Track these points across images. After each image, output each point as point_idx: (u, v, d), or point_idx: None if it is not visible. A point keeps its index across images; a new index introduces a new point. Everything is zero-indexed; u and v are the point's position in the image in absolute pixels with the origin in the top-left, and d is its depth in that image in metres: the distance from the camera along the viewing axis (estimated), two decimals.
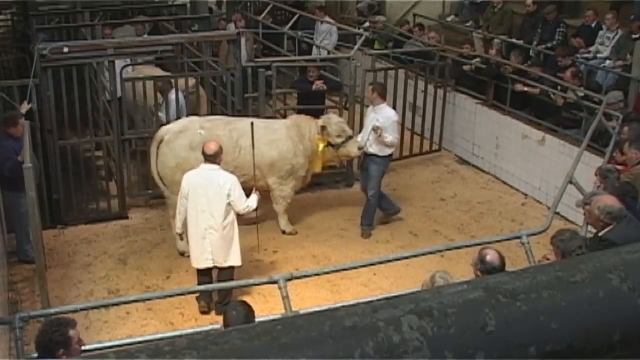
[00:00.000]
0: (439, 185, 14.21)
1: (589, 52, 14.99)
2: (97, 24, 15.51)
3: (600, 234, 7.69)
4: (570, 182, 9.27)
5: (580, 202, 8.43)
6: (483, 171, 14.88)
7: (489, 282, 1.22)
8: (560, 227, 8.61)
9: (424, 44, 17.19)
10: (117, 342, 7.99)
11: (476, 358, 1.15)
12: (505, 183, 14.30)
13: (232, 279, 9.59)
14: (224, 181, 9.61)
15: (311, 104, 13.59)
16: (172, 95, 12.66)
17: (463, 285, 1.23)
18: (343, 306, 1.20)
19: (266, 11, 19.21)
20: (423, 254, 8.19)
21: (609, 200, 7.68)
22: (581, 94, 12.77)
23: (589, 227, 8.23)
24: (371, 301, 1.21)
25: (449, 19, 20.25)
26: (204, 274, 9.91)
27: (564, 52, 14.46)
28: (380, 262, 8.26)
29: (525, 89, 13.86)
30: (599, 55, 14.78)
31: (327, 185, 13.89)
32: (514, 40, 16.63)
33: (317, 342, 1.13)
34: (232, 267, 9.94)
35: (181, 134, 11.35)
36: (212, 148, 9.72)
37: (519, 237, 7.78)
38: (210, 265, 9.85)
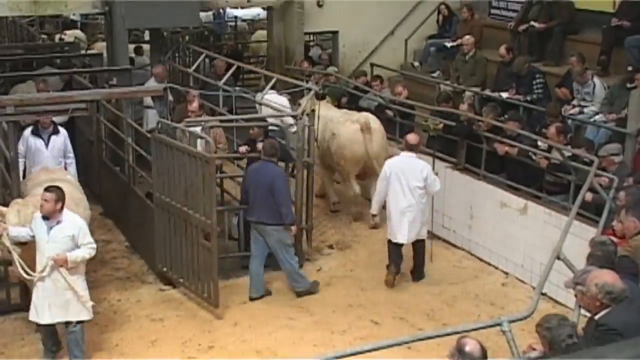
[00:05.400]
0: (404, 264, 14.05)
1: (573, 106, 15.11)
2: None
3: (596, 317, 7.63)
4: (558, 258, 9.25)
5: (570, 281, 8.38)
6: (455, 246, 14.88)
7: None
8: (548, 312, 8.55)
9: (383, 98, 17.29)
10: None
11: None
12: (481, 260, 14.29)
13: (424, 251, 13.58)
14: (422, 167, 13.13)
15: None
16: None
17: None
18: None
19: (197, 62, 19.18)
20: (387, 346, 8.06)
21: (609, 278, 7.63)
22: (568, 154, 12.84)
23: (582, 311, 8.18)
24: None
25: (416, 64, 20.46)
26: (397, 247, 13.30)
27: (556, 110, 14.46)
28: (336, 358, 8.12)
29: (506, 149, 13.88)
30: (586, 110, 14.89)
31: (271, 266, 13.70)
32: (487, 92, 16.75)
33: None
34: (423, 240, 13.44)
35: (377, 124, 15.47)
36: (414, 139, 13.35)
37: (499, 325, 7.71)
38: (404, 241, 13.22)
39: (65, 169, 13.72)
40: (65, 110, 12.94)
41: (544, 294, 10.66)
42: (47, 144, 13.79)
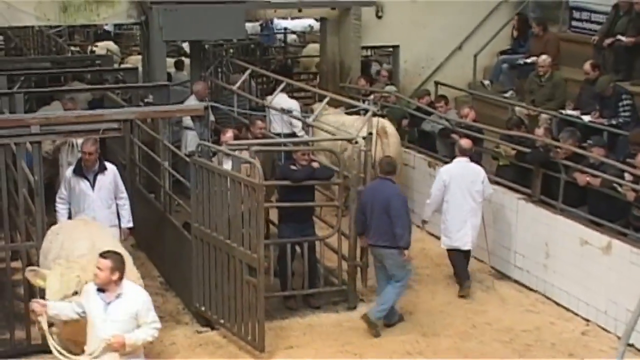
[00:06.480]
0: (470, 307, 14.06)
1: None
2: (18, 92, 15.45)
3: None
4: None
5: None
6: (529, 289, 14.74)
7: None
8: None
9: (448, 121, 17.19)
10: None
11: None
12: (558, 305, 14.14)
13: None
14: (478, 170, 14.53)
15: (296, 199, 13.46)
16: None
17: None
18: None
19: (242, 78, 19.21)
20: None
21: None
22: None
23: None
24: None
25: (486, 82, 20.34)
26: (461, 256, 14.57)
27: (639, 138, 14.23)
28: None
29: (588, 179, 13.71)
30: None
31: (322, 307, 13.66)
32: (569, 111, 16.54)
33: None
34: (469, 251, 14.68)
35: (392, 129, 16.96)
36: (468, 144, 14.70)
37: None
38: (468, 247, 14.51)
39: (118, 213, 13.48)
40: (96, 130, 12.97)
41: (630, 345, 10.49)
42: (92, 185, 13.28)
